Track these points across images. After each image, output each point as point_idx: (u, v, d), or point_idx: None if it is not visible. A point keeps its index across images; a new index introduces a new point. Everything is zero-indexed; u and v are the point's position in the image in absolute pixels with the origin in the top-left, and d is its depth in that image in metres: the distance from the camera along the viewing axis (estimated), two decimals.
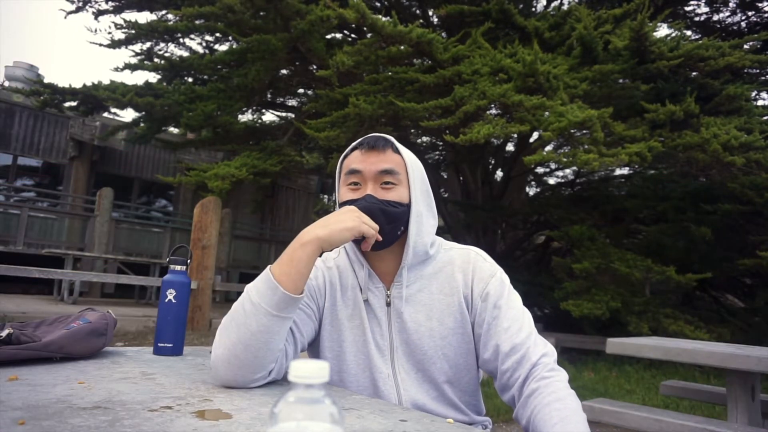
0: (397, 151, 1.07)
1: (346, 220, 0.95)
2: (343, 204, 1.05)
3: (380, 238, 0.99)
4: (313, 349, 1.11)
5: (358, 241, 1.01)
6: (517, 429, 3.57)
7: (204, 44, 10.52)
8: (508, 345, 0.98)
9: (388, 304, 1.06)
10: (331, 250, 1.07)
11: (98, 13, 9.17)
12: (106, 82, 8.15)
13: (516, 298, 1.06)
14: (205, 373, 0.99)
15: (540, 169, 11.39)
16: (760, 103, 8.80)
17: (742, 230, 7.22)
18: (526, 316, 1.03)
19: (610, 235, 7.78)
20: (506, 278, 1.09)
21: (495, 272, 1.07)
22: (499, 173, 10.75)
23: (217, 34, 9.78)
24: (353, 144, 1.10)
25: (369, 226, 0.96)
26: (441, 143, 11.07)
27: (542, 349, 0.98)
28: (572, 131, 6.20)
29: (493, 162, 10.58)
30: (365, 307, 1.06)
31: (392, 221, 1.03)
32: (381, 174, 1.03)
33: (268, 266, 0.94)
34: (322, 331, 1.08)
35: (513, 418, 1.00)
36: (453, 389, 1.04)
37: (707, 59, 6.13)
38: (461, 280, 1.06)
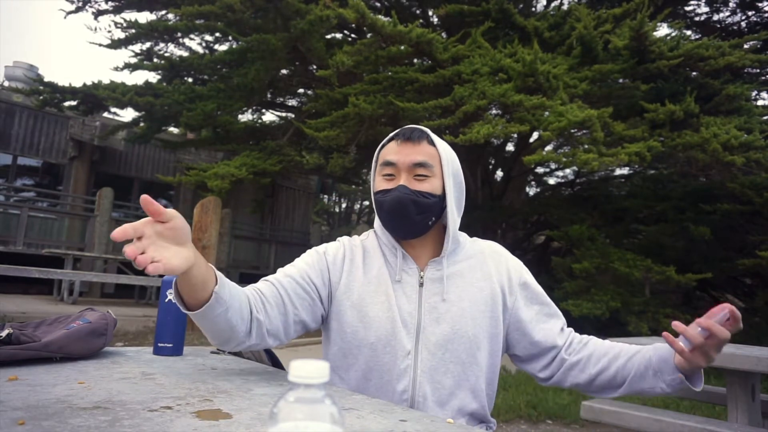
0: (432, 143, 1.10)
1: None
2: (378, 192, 1.08)
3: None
4: (336, 324, 1.10)
5: (393, 226, 1.08)
6: (517, 429, 3.57)
7: (204, 44, 10.52)
8: (559, 325, 1.13)
9: (421, 285, 1.08)
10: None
11: (98, 13, 9.17)
12: (106, 81, 8.15)
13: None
14: (206, 373, 0.99)
15: (540, 169, 11.39)
16: (760, 102, 8.81)
17: (742, 230, 7.22)
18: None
19: (610, 235, 7.78)
20: None
21: (522, 264, 1.18)
22: (499, 173, 10.75)
23: (217, 34, 9.77)
24: (390, 135, 1.13)
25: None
26: None
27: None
28: (572, 131, 6.20)
29: (493, 162, 10.58)
30: (394, 286, 1.08)
31: (423, 211, 1.05)
32: (414, 166, 1.06)
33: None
34: (341, 306, 1.09)
35: (556, 383, 1.12)
36: (476, 372, 1.06)
37: (707, 59, 6.14)
38: (494, 268, 1.13)
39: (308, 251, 1.14)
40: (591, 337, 1.15)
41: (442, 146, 1.11)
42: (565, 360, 1.10)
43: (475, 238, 1.20)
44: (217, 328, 0.92)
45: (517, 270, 1.14)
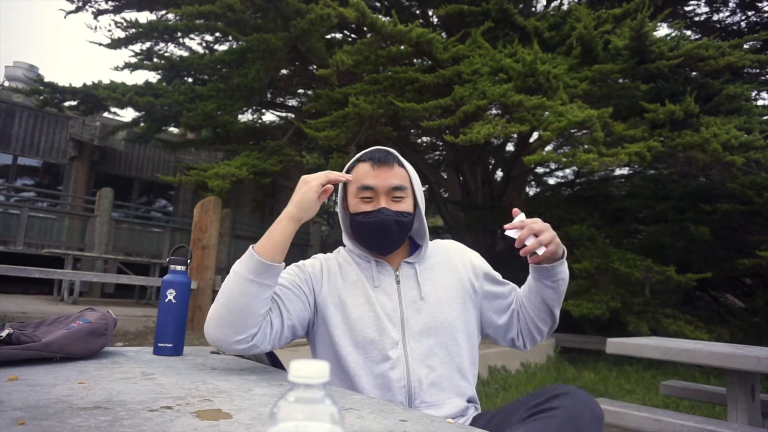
0: (401, 164, 1.22)
1: (305, 189, 1.11)
2: (358, 214, 1.19)
3: (350, 178, 1.16)
4: (323, 329, 1.18)
5: (377, 244, 1.19)
6: None
7: (204, 44, 10.51)
8: (513, 297, 1.29)
9: (398, 282, 1.20)
10: (311, 219, 1.20)
11: (98, 13, 9.15)
12: (106, 81, 8.15)
13: None
14: (206, 373, 1.00)
15: (540, 169, 11.38)
16: (760, 102, 8.80)
17: (742, 230, 7.22)
18: None
19: (610, 235, 7.78)
20: None
21: (479, 255, 1.35)
22: (499, 173, 10.74)
23: (217, 34, 9.76)
24: (359, 156, 1.24)
25: (328, 177, 1.12)
26: (441, 143, 11.06)
27: None
28: (572, 131, 6.20)
29: (493, 162, 10.57)
30: (374, 289, 1.18)
31: (403, 229, 1.19)
32: (392, 190, 1.18)
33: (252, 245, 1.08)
34: (326, 311, 1.17)
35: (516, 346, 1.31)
36: (460, 353, 1.18)
37: (707, 59, 6.13)
38: (459, 261, 1.28)
39: (287, 268, 1.22)
40: (518, 291, 1.30)
41: (409, 167, 1.25)
42: (525, 324, 1.27)
43: (435, 240, 1.34)
44: (250, 305, 1.02)
45: (478, 260, 1.32)
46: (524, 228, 1.10)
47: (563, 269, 1.18)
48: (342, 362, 1.14)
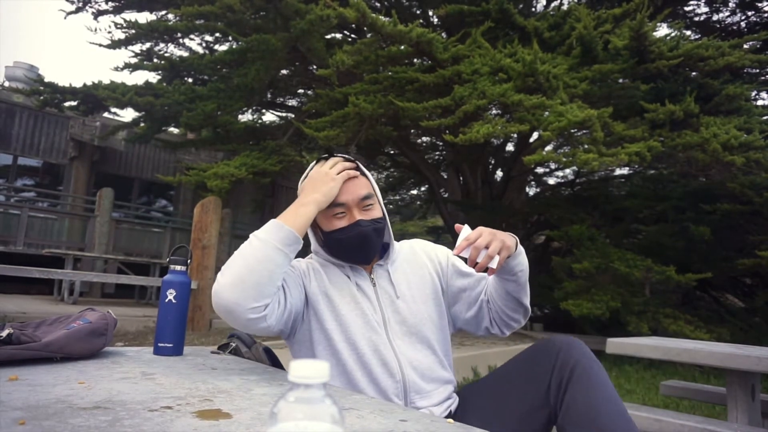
0: (362, 172, 1.24)
1: (333, 185, 1.16)
2: (335, 231, 1.19)
3: (357, 174, 1.21)
4: (316, 325, 1.19)
5: (358, 255, 1.21)
6: None
7: (204, 44, 10.51)
8: (483, 285, 1.30)
9: (374, 284, 1.23)
10: (327, 206, 1.18)
11: (98, 14, 9.15)
12: (106, 82, 8.15)
13: None
14: (206, 373, 1.00)
15: (540, 169, 11.39)
16: (759, 102, 8.81)
17: (742, 230, 7.22)
18: None
19: (610, 235, 7.78)
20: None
21: (445, 248, 1.36)
22: (499, 173, 10.75)
23: (217, 34, 9.77)
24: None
25: (344, 170, 1.18)
26: (441, 143, 11.06)
27: None
28: (572, 131, 6.20)
29: (493, 162, 10.58)
30: (357, 288, 1.21)
31: (380, 235, 1.22)
32: (362, 200, 1.19)
33: (271, 220, 1.10)
34: (317, 306, 1.19)
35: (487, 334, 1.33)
36: (439, 347, 1.23)
37: (707, 59, 6.13)
38: (426, 258, 1.32)
39: None
40: (488, 279, 1.30)
41: (369, 174, 1.27)
42: (496, 314, 1.28)
43: (402, 240, 1.38)
44: (272, 273, 1.04)
45: (444, 253, 1.34)
46: (471, 247, 1.07)
47: (519, 261, 1.17)
48: (338, 357, 1.16)
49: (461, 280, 1.30)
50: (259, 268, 1.03)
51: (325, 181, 1.16)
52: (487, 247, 1.07)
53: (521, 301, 1.24)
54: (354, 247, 1.19)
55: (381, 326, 1.18)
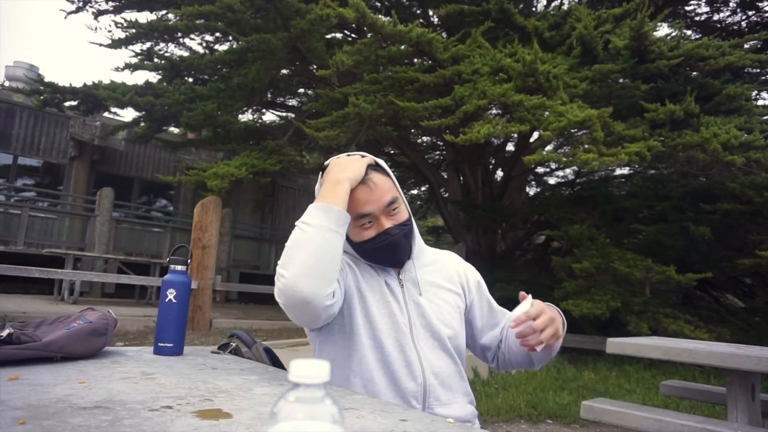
0: (383, 170, 1.19)
1: (359, 165, 1.13)
2: (365, 242, 1.17)
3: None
4: (346, 321, 1.16)
5: (390, 261, 1.20)
6: (517, 429, 3.57)
7: (204, 44, 10.51)
8: (501, 326, 1.32)
9: (402, 285, 1.21)
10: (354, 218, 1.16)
11: (98, 13, 9.15)
12: (106, 81, 8.15)
13: None
14: (206, 373, 1.00)
15: (540, 169, 11.39)
16: (760, 102, 8.82)
17: (742, 230, 7.22)
18: None
19: (610, 235, 7.78)
20: None
21: (475, 271, 1.36)
22: (499, 173, 10.74)
23: (217, 34, 9.77)
24: None
25: (364, 162, 1.15)
26: (441, 143, 11.06)
27: None
28: (572, 131, 6.20)
29: (493, 162, 10.57)
30: (387, 287, 1.20)
31: (409, 238, 1.21)
32: (388, 206, 1.15)
33: (311, 205, 1.07)
34: (351, 300, 1.16)
35: (497, 368, 1.34)
36: (459, 358, 1.22)
37: (707, 59, 6.13)
38: (454, 271, 1.30)
39: None
40: (508, 318, 1.27)
41: (386, 167, 1.21)
42: (502, 355, 1.30)
43: (431, 248, 1.35)
44: (335, 257, 1.02)
45: (473, 275, 1.34)
46: (527, 324, 1.07)
47: (559, 344, 1.16)
48: (361, 354, 1.13)
49: (489, 313, 1.32)
50: (323, 254, 1.01)
51: (350, 161, 1.14)
52: (542, 330, 1.07)
53: (534, 361, 1.25)
54: (385, 254, 1.18)
55: (407, 327, 1.17)
